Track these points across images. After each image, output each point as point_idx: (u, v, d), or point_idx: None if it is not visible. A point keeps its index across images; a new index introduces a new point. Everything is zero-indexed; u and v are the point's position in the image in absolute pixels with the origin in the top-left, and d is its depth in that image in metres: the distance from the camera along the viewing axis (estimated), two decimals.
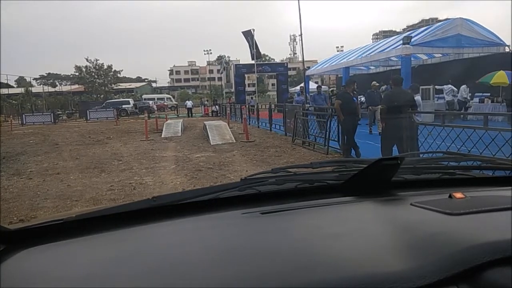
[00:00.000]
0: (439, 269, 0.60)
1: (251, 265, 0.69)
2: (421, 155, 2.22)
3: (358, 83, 10.69)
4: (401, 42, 14.61)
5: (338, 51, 49.85)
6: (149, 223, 0.94)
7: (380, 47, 17.53)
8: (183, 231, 0.93)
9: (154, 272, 0.70)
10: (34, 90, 60.36)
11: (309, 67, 27.41)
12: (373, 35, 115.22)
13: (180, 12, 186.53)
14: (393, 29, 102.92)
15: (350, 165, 1.30)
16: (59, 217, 0.96)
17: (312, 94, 14.95)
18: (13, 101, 50.49)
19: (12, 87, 67.01)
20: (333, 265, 0.66)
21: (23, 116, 31.72)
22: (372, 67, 22.47)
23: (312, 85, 31.47)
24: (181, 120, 20.19)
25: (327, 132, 8.62)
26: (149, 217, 0.97)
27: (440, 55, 17.35)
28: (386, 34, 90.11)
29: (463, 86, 14.82)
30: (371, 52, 17.67)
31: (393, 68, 19.39)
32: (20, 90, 58.37)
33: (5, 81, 65.24)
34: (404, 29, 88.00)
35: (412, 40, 14.48)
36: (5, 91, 55.88)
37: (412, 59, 15.25)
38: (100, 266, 0.76)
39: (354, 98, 7.87)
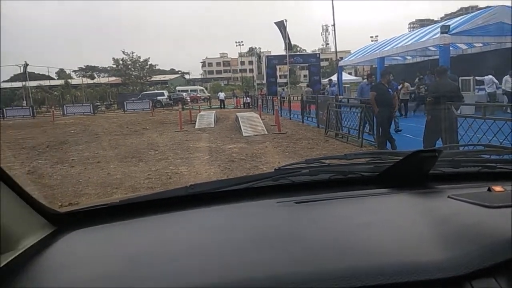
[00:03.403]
0: (475, 260, 0.60)
1: (284, 252, 0.72)
2: (460, 148, 2.16)
3: (394, 73, 10.20)
4: (439, 31, 13.98)
5: (372, 41, 48.37)
6: (186, 209, 0.99)
7: (417, 37, 16.86)
8: (219, 218, 0.97)
9: (191, 254, 0.74)
10: (73, 82, 62.81)
11: (342, 58, 26.75)
12: (410, 24, 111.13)
13: (212, 3, 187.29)
14: (430, 18, 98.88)
15: (386, 157, 1.27)
16: (103, 202, 1.03)
17: (361, 84, 12.86)
18: (55, 93, 52.87)
19: (53, 79, 69.87)
20: (365, 253, 0.67)
21: (64, 107, 33.20)
22: (408, 57, 21.67)
23: (346, 76, 30.80)
24: (214, 111, 20.42)
25: (361, 125, 8.48)
26: (187, 204, 1.01)
27: (481, 44, 16.51)
28: (423, 23, 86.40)
29: (507, 77, 13.96)
30: (407, 42, 17.04)
31: (430, 58, 18.63)
32: (60, 82, 60.90)
33: (47, 73, 68.35)
34: (442, 18, 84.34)
35: (451, 28, 13.83)
36: (46, 82, 58.43)
37: (451, 48, 14.55)
38: (142, 248, 0.81)
39: (390, 90, 7.69)
